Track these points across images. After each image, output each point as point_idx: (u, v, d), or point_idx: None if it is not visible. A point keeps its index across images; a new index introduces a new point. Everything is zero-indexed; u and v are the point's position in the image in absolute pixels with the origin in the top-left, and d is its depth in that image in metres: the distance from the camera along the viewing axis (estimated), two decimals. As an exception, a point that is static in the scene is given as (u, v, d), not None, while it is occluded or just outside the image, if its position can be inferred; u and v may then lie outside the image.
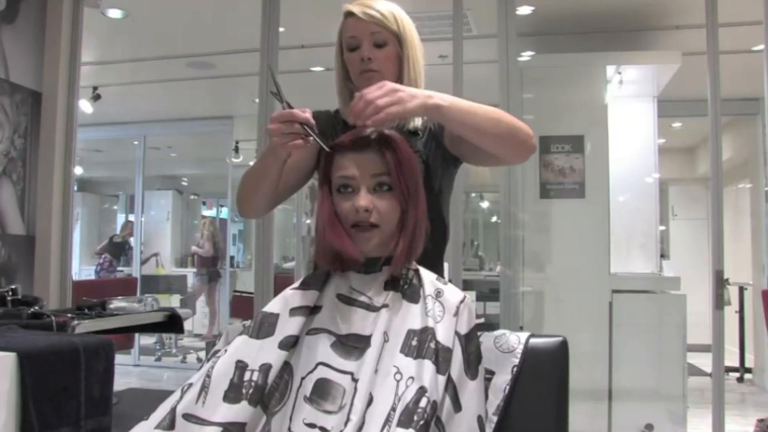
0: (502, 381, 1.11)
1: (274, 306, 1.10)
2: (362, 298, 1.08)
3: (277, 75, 1.20)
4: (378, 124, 1.08)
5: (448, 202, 1.41)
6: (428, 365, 0.98)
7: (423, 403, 0.94)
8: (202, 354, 6.17)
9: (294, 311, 1.07)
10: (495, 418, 1.08)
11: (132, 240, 7.51)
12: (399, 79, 1.33)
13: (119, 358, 3.63)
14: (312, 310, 1.08)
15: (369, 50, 1.31)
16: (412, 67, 1.34)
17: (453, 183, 1.42)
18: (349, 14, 1.33)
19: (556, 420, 1.14)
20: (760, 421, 3.41)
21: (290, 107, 1.12)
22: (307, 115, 1.11)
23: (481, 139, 1.20)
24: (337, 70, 1.40)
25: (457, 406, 1.01)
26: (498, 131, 1.19)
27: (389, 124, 1.11)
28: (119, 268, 7.72)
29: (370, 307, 1.07)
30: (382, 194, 1.07)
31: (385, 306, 1.06)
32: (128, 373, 5.55)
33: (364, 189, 1.06)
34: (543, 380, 1.14)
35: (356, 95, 1.11)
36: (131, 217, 8.79)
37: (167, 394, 1.05)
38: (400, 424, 0.93)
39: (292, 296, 1.10)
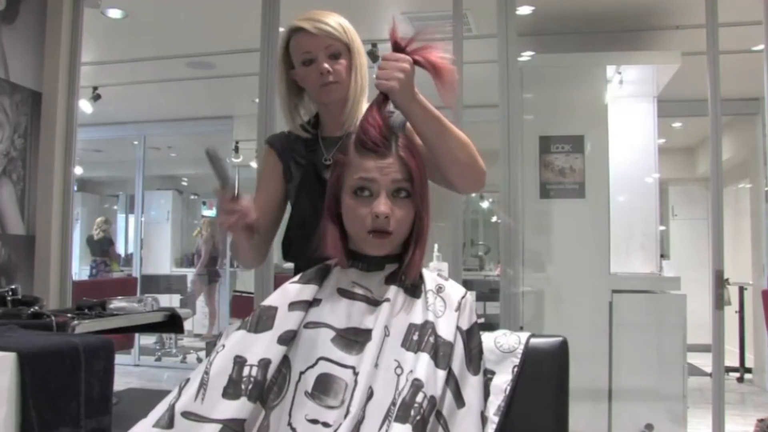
0: (503, 381, 1.11)
1: (273, 299, 1.10)
2: (363, 292, 1.08)
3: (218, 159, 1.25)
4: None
5: None
6: (425, 358, 0.99)
7: (419, 398, 0.94)
8: (202, 354, 6.17)
9: (293, 305, 1.08)
10: (496, 419, 1.08)
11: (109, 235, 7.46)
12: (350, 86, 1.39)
13: (119, 358, 3.63)
14: (311, 304, 1.08)
15: (328, 63, 1.34)
16: (360, 74, 1.38)
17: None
18: (299, 29, 1.36)
19: (556, 420, 1.14)
20: (760, 421, 3.41)
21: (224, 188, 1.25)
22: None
23: (441, 152, 1.21)
24: (283, 87, 1.43)
25: (459, 401, 1.01)
26: (459, 157, 1.21)
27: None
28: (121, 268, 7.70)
29: (372, 301, 1.07)
30: (400, 201, 1.07)
31: (386, 300, 1.06)
32: (128, 373, 5.55)
33: (384, 194, 1.05)
34: (543, 380, 1.14)
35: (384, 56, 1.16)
36: (131, 217, 8.79)
37: (167, 394, 1.05)
38: (397, 419, 0.93)
39: (291, 290, 1.10)
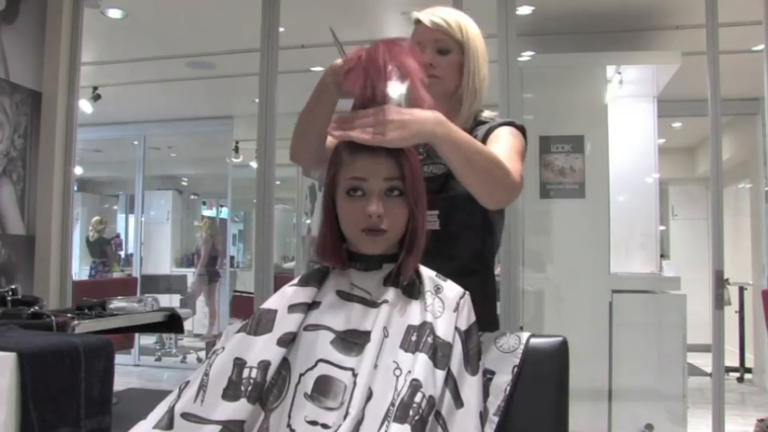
0: (503, 381, 1.11)
1: (272, 302, 1.10)
2: (362, 294, 1.08)
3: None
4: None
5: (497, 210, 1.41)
6: (423, 358, 0.98)
7: (418, 398, 0.94)
8: (202, 354, 6.17)
9: (292, 308, 1.07)
10: (496, 419, 1.08)
11: (108, 235, 7.46)
12: (458, 87, 1.38)
13: (119, 358, 3.63)
14: (310, 306, 1.08)
15: (432, 56, 1.35)
16: (472, 77, 1.37)
17: None
18: (417, 21, 1.38)
19: (556, 420, 1.14)
20: (760, 421, 3.41)
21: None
22: None
23: (464, 176, 1.17)
24: None
25: (458, 401, 1.01)
26: (482, 179, 1.16)
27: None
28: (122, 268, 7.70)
29: (370, 303, 1.07)
30: (393, 199, 1.06)
31: (385, 302, 1.06)
32: (128, 373, 5.55)
33: (376, 194, 1.05)
34: (543, 380, 1.14)
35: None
36: (131, 217, 8.80)
37: (167, 394, 1.05)
38: (396, 419, 0.93)
39: (290, 293, 1.10)
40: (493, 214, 1.41)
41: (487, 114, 1.44)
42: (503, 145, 1.29)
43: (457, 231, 1.37)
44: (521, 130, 1.37)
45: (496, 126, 1.36)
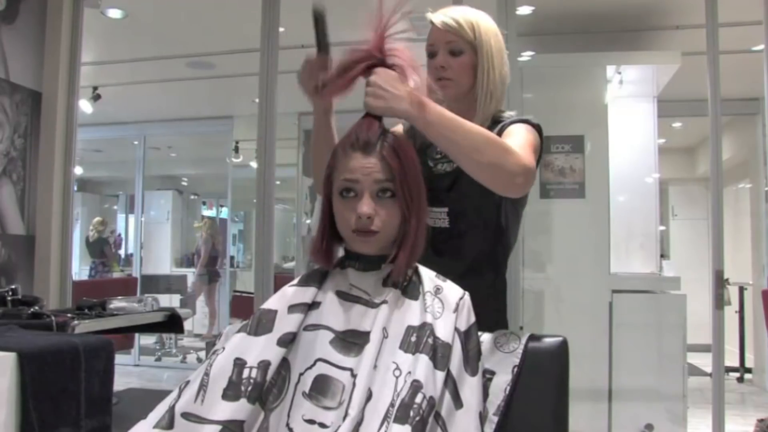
0: (503, 381, 1.11)
1: (272, 303, 1.10)
2: (362, 295, 1.08)
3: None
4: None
5: (509, 208, 1.38)
6: (424, 359, 0.98)
7: (419, 398, 0.94)
8: (202, 354, 6.18)
9: (292, 308, 1.08)
10: (495, 419, 1.08)
11: (108, 236, 7.46)
12: (473, 88, 1.36)
13: (119, 358, 3.64)
14: (310, 307, 1.09)
15: (443, 59, 1.34)
16: (486, 77, 1.35)
17: None
18: (431, 22, 1.37)
19: (556, 420, 1.14)
20: (760, 421, 3.41)
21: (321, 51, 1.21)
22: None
23: (458, 160, 1.16)
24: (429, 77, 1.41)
25: (458, 402, 1.01)
26: (478, 159, 1.13)
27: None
28: (122, 268, 7.69)
29: (370, 304, 1.07)
30: (385, 201, 1.06)
31: (384, 302, 1.06)
32: (128, 373, 5.55)
33: (367, 195, 1.05)
34: (543, 380, 1.14)
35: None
36: (131, 217, 8.80)
37: (167, 394, 1.05)
38: (396, 420, 0.93)
39: (290, 293, 1.11)
40: (506, 215, 1.38)
41: (507, 114, 1.40)
42: (515, 139, 1.25)
43: (466, 230, 1.36)
44: (537, 128, 1.33)
45: (509, 123, 1.33)
